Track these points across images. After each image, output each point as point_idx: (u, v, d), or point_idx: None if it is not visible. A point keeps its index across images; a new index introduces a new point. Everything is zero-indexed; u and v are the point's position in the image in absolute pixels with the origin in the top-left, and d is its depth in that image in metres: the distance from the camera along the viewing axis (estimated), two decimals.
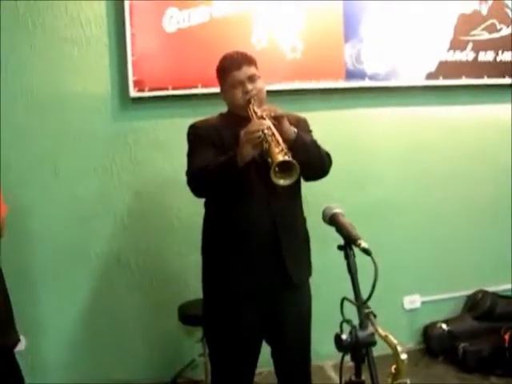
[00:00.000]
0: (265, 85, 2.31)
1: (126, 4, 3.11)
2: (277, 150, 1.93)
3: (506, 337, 3.36)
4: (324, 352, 3.40)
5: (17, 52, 3.11)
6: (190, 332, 3.31)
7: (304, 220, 2.39)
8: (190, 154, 2.29)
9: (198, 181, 2.18)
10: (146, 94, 3.20)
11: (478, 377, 3.32)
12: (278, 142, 1.97)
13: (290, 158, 1.92)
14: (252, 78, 2.23)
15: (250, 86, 2.20)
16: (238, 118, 2.21)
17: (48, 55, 3.15)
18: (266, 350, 2.39)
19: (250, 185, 2.15)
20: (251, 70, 2.24)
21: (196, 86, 3.20)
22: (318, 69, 3.39)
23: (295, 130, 2.14)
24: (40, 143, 3.19)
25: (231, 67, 2.23)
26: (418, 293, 3.75)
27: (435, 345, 3.62)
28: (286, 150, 1.95)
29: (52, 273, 3.25)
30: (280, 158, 1.90)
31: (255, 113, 2.12)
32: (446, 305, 3.80)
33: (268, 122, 2.03)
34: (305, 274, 2.35)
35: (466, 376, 3.35)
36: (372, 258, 1.47)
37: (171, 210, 3.34)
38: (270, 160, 1.97)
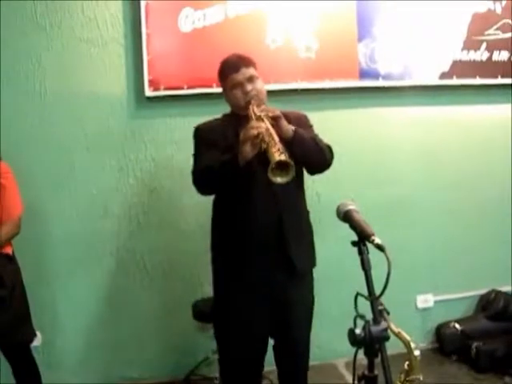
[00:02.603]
0: (264, 85, 2.39)
1: (142, 4, 3.15)
2: (274, 150, 2.01)
3: None
4: (337, 350, 3.43)
5: (34, 52, 3.17)
6: (204, 329, 3.32)
7: (307, 213, 2.46)
8: (195, 155, 2.40)
9: (202, 180, 2.29)
10: (162, 93, 3.23)
11: (491, 377, 3.31)
12: (275, 142, 2.04)
13: (286, 158, 1.99)
14: (251, 79, 2.32)
15: (249, 87, 2.30)
16: (240, 117, 2.31)
17: (65, 55, 3.20)
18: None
19: (255, 182, 2.23)
20: (249, 71, 2.33)
21: (211, 86, 3.21)
22: (332, 68, 3.40)
23: (293, 128, 2.21)
24: (56, 142, 3.23)
25: (230, 70, 2.34)
26: (431, 292, 3.74)
27: (448, 344, 3.61)
28: (282, 150, 2.02)
29: (68, 270, 3.30)
30: (276, 157, 1.98)
31: (254, 113, 2.20)
32: (459, 304, 3.80)
33: (266, 123, 2.11)
34: (309, 264, 2.42)
35: (480, 376, 3.33)
36: (385, 254, 1.49)
37: (186, 207, 3.36)
38: (268, 159, 2.03)
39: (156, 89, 3.22)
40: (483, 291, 3.80)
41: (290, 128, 2.20)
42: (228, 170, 2.16)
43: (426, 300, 3.75)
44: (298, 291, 2.35)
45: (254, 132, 2.05)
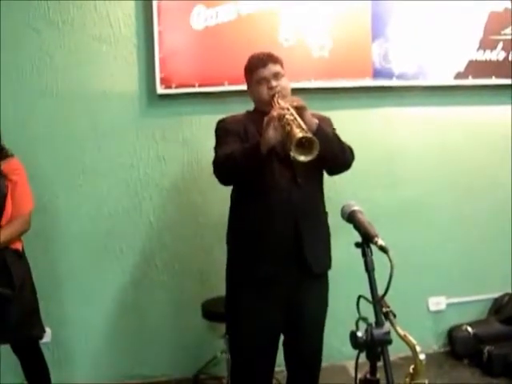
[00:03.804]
0: (289, 83, 2.40)
1: (154, 2, 3.15)
2: (297, 130, 1.97)
3: None
4: (347, 352, 3.38)
5: (46, 50, 3.19)
6: (213, 329, 3.33)
7: (326, 214, 2.44)
8: (218, 146, 2.38)
9: (223, 167, 2.25)
10: (173, 90, 3.23)
11: (503, 381, 3.27)
12: (299, 124, 2.01)
13: (310, 135, 1.96)
14: (277, 76, 2.33)
15: (274, 83, 2.31)
16: (263, 114, 2.25)
17: (77, 53, 3.22)
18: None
19: (273, 177, 2.24)
20: (276, 68, 2.34)
21: (223, 84, 3.22)
22: (346, 67, 3.38)
23: (316, 121, 2.19)
24: (68, 140, 3.25)
25: (257, 65, 2.35)
26: (444, 294, 3.70)
27: (460, 348, 3.58)
28: (306, 129, 1.99)
29: (78, 268, 3.31)
30: (300, 134, 1.94)
31: (278, 103, 2.20)
32: (472, 307, 3.75)
33: (291, 110, 2.09)
34: (324, 265, 2.41)
35: (492, 380, 3.29)
36: (388, 256, 1.47)
37: (197, 206, 3.37)
38: (290, 139, 1.99)
39: (168, 86, 3.22)
40: (496, 295, 3.75)
41: (314, 121, 2.18)
42: (250, 157, 2.14)
43: (438, 303, 3.71)
44: (312, 292, 2.34)
45: (279, 112, 2.06)
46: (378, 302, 1.44)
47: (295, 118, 2.05)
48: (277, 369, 2.51)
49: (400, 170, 3.60)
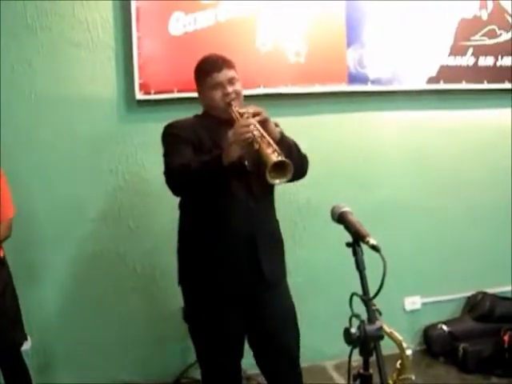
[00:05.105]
0: (242, 88, 2.35)
1: (133, 7, 3.15)
2: (269, 151, 1.97)
3: (506, 338, 3.39)
4: (326, 352, 3.46)
5: (24, 55, 3.15)
6: None
7: (277, 222, 2.43)
8: (169, 153, 2.27)
9: (179, 179, 2.18)
10: (152, 96, 3.24)
11: (478, 377, 3.36)
12: (268, 142, 2.01)
13: (284, 158, 1.96)
14: (232, 81, 2.28)
15: (230, 89, 2.25)
16: (215, 119, 2.27)
17: (55, 58, 3.19)
18: None
19: (229, 188, 2.19)
20: (231, 73, 2.29)
21: None
22: (321, 73, 3.44)
23: (280, 130, 2.19)
24: (46, 144, 3.22)
25: (212, 69, 2.27)
26: (419, 294, 3.79)
27: (436, 346, 3.66)
28: (278, 150, 1.99)
29: (56, 273, 3.29)
30: (274, 158, 1.95)
31: (240, 114, 2.16)
32: (447, 306, 3.84)
33: (255, 122, 2.06)
34: (279, 273, 2.39)
35: (467, 376, 3.38)
36: (380, 255, 1.52)
37: (176, 211, 3.36)
38: (263, 161, 1.99)
39: (146, 92, 3.23)
40: (470, 293, 3.84)
41: (277, 130, 2.18)
42: (210, 169, 2.08)
43: (413, 302, 3.79)
44: (270, 302, 2.32)
45: (247, 134, 2.00)
46: (370, 299, 1.48)
47: (262, 135, 2.03)
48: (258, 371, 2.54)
49: (374, 172, 3.67)
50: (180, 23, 3.22)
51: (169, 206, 3.34)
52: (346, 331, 1.47)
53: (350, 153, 3.54)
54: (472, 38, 3.65)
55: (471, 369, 3.41)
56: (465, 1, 3.62)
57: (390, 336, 1.79)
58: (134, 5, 3.15)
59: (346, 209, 1.71)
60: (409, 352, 1.86)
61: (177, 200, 3.31)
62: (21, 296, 2.77)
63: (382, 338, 1.49)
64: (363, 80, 3.51)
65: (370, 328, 1.47)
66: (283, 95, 3.35)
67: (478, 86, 3.71)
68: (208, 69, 2.29)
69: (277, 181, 1.99)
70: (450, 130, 3.77)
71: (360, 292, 1.55)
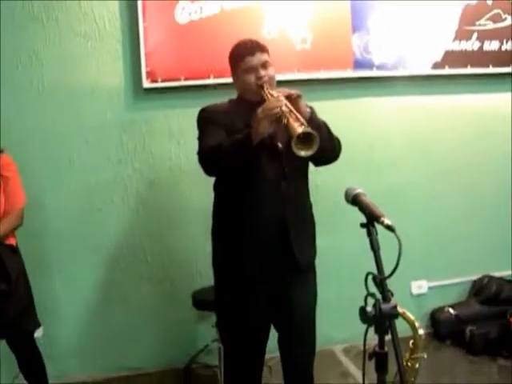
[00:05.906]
0: (275, 73, 2.34)
1: None
2: (296, 124, 1.96)
3: None
4: (334, 337, 3.49)
5: (31, 46, 3.17)
6: (204, 318, 3.37)
7: (310, 205, 2.43)
8: (202, 136, 2.29)
9: (211, 158, 2.18)
10: (159, 84, 3.26)
11: (485, 359, 3.40)
12: (296, 116, 2.00)
13: (310, 130, 1.95)
14: (265, 65, 2.26)
15: (262, 72, 2.24)
16: (248, 103, 2.25)
17: (61, 49, 3.21)
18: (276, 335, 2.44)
19: (260, 169, 2.19)
20: (264, 57, 2.27)
21: (208, 77, 3.26)
22: (327, 59, 3.46)
23: (309, 109, 2.18)
24: (54, 135, 3.25)
25: (245, 53, 2.27)
26: (425, 278, 3.82)
27: (443, 329, 3.69)
28: (304, 123, 1.98)
29: (66, 262, 3.33)
30: (300, 129, 1.94)
31: (271, 94, 2.15)
32: (453, 290, 3.88)
33: (283, 99, 2.05)
34: (311, 258, 2.39)
35: (474, 358, 3.42)
36: (395, 234, 1.54)
37: (184, 198, 3.40)
38: (289, 133, 1.98)
39: (153, 80, 3.25)
40: (476, 277, 3.87)
41: (307, 108, 2.17)
42: (240, 148, 2.08)
43: (420, 286, 3.82)
44: (300, 288, 2.32)
45: (276, 108, 2.00)
46: (385, 278, 1.50)
47: (291, 110, 2.03)
48: (270, 355, 2.56)
49: (380, 158, 3.68)
50: (186, 11, 3.23)
51: (177, 192, 3.41)
52: (362, 310, 1.49)
53: (356, 138, 3.54)
54: (477, 23, 3.66)
55: (478, 351, 3.45)
56: None
57: (403, 316, 1.83)
58: None
59: (359, 190, 1.73)
60: (421, 332, 1.90)
61: (184, 187, 3.38)
62: (32, 284, 2.79)
63: (397, 316, 1.52)
64: (369, 66, 3.52)
65: (385, 306, 1.49)
66: (289, 82, 3.36)
67: (483, 70, 3.72)
68: (241, 53, 2.28)
69: (302, 152, 1.96)
70: (455, 115, 3.79)
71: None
